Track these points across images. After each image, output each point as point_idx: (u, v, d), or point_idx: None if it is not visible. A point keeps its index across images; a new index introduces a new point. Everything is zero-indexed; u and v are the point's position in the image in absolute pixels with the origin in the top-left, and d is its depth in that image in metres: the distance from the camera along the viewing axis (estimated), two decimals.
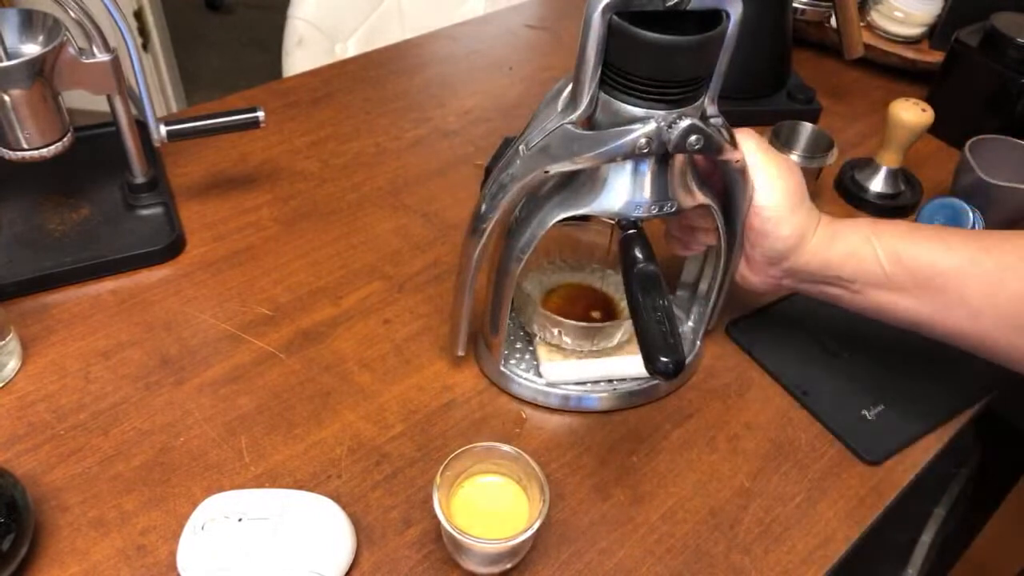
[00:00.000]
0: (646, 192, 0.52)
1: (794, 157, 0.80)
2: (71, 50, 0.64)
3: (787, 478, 0.60)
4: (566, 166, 0.50)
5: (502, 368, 0.64)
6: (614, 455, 0.61)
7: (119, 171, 0.77)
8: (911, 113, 0.80)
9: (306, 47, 1.27)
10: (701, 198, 0.54)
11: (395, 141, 0.91)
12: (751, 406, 0.65)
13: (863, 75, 1.09)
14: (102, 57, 0.66)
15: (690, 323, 0.68)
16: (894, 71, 1.08)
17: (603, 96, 0.49)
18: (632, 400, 0.64)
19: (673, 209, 0.52)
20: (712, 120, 0.51)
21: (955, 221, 0.76)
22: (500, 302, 0.59)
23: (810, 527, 0.57)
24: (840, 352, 0.69)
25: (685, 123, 0.47)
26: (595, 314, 0.65)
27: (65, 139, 0.67)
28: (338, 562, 0.51)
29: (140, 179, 0.76)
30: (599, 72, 0.47)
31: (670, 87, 0.47)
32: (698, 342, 0.67)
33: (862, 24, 1.05)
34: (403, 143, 0.91)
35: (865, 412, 0.64)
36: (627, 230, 0.53)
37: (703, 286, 0.66)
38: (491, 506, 0.52)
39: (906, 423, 0.64)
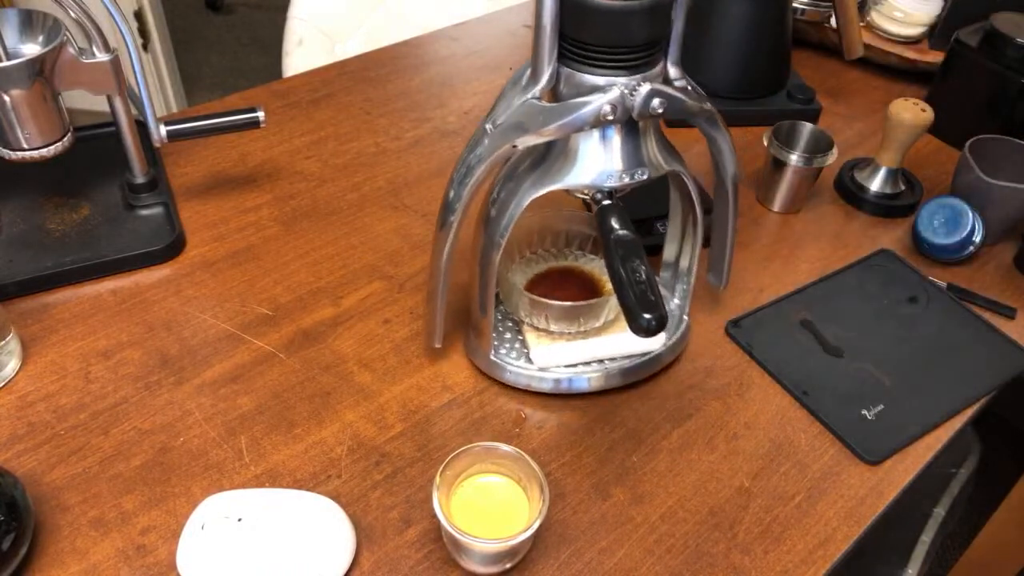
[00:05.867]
0: (617, 161, 0.53)
1: (794, 157, 0.80)
2: (71, 50, 0.64)
3: (787, 478, 0.60)
4: (534, 139, 0.51)
5: (492, 358, 0.64)
6: (614, 455, 0.61)
7: (119, 171, 0.77)
8: (911, 113, 0.80)
9: (306, 47, 1.27)
10: (672, 164, 0.56)
11: (395, 141, 0.91)
12: (751, 406, 0.65)
13: (863, 75, 1.09)
14: (102, 57, 0.66)
15: (676, 300, 0.69)
16: (894, 71, 1.08)
17: (564, 69, 0.50)
18: (624, 379, 0.64)
19: (645, 176, 0.54)
20: (676, 83, 0.52)
21: (955, 221, 0.76)
22: (485, 289, 0.60)
23: (810, 527, 0.57)
24: (840, 352, 0.69)
25: (647, 88, 0.48)
26: (580, 296, 0.66)
27: (65, 139, 0.67)
28: (338, 562, 0.51)
29: (140, 179, 0.76)
30: (557, 45, 0.49)
31: (627, 53, 0.48)
32: (685, 317, 0.67)
33: (862, 24, 1.05)
34: (403, 143, 0.91)
35: (865, 412, 0.64)
36: (603, 202, 0.54)
37: (684, 263, 0.67)
38: (491, 506, 0.52)
39: (906, 423, 0.64)
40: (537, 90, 0.50)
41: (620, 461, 0.60)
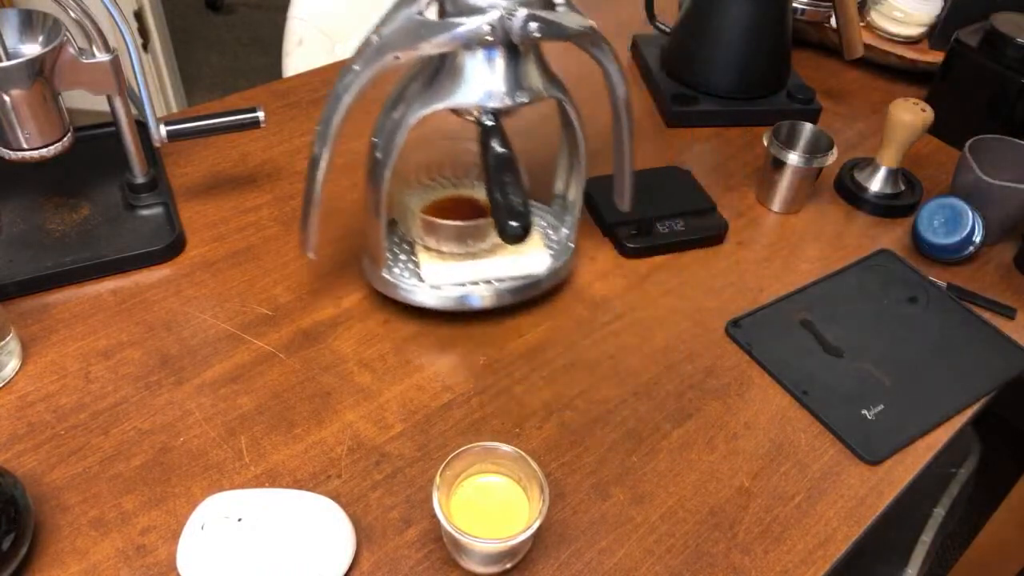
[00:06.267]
0: (500, 83, 0.56)
1: (794, 157, 0.80)
2: (71, 50, 0.64)
3: (787, 478, 0.60)
4: (415, 51, 0.54)
5: (385, 275, 0.66)
6: (614, 455, 0.61)
7: (119, 171, 0.77)
8: (911, 113, 0.80)
9: (306, 47, 1.27)
10: (552, 92, 0.59)
11: None
12: (751, 406, 0.65)
13: (863, 75, 1.09)
14: (102, 57, 0.66)
15: (564, 230, 0.72)
16: (894, 71, 1.08)
17: None
18: (513, 297, 0.68)
19: (525, 100, 0.57)
20: (560, 9, 0.55)
21: (955, 221, 0.77)
22: (377, 216, 0.63)
23: (810, 527, 0.57)
24: (840, 352, 0.69)
25: (524, 12, 0.52)
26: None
27: (65, 139, 0.67)
28: (338, 562, 0.52)
29: (140, 179, 0.76)
30: None
31: None
32: (570, 245, 0.71)
33: (862, 24, 1.05)
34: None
35: (865, 412, 0.64)
36: (486, 124, 0.57)
37: (571, 195, 0.70)
38: (491, 506, 0.52)
39: (906, 423, 0.64)
40: (422, 4, 0.53)
41: (620, 461, 0.60)
